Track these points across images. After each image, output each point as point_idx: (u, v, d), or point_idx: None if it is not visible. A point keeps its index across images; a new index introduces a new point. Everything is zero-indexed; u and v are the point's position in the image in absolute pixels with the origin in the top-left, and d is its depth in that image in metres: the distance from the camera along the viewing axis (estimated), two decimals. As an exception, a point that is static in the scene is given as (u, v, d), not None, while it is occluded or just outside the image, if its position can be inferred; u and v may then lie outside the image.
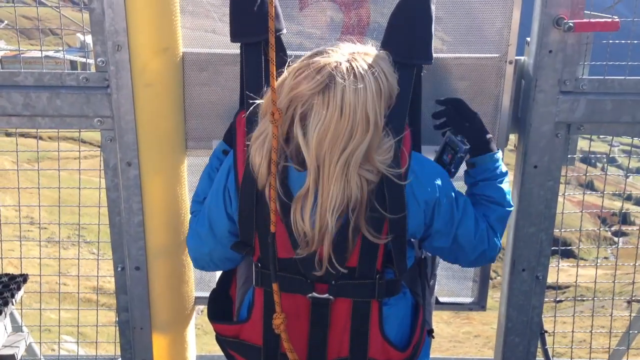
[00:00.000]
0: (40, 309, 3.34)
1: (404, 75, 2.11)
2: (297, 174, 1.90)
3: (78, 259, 3.24)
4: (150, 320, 2.87)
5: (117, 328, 2.96)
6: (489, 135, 2.29)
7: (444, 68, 2.64)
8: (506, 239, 2.90)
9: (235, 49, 2.39)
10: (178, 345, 2.99)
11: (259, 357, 2.15)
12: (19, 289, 2.84)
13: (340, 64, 1.79)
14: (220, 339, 2.27)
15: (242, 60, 2.29)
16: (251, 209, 2.00)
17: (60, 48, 2.70)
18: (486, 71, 2.64)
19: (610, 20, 2.36)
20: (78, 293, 3.31)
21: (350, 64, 1.80)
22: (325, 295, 2.04)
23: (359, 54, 1.85)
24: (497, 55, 2.62)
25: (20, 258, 3.23)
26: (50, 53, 2.84)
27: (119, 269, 2.83)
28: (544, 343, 3.02)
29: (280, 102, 1.84)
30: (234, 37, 2.28)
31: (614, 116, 2.58)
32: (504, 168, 2.27)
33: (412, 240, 2.15)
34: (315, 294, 2.04)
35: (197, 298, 3.02)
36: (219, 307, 2.37)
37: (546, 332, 3.02)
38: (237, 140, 2.07)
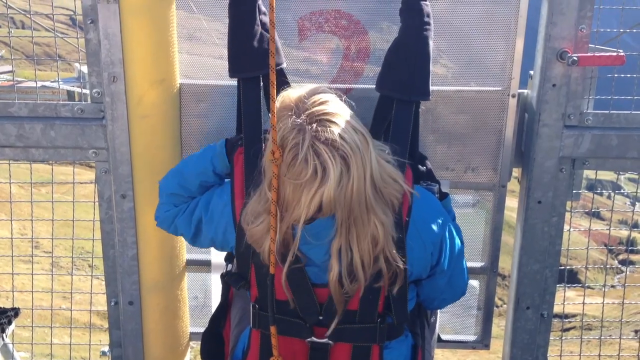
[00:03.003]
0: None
1: (402, 111, 2.09)
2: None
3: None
4: (144, 356, 2.79)
5: (110, 364, 2.88)
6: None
7: (445, 101, 2.60)
8: (510, 276, 2.83)
9: (232, 80, 2.36)
10: (172, 381, 2.91)
11: None
12: (9, 323, 2.77)
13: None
14: None
15: (240, 95, 2.26)
16: (248, 247, 1.95)
17: (56, 78, 2.67)
18: (488, 104, 2.60)
19: (615, 54, 2.31)
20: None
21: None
22: (325, 340, 1.98)
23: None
24: (500, 88, 2.58)
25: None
26: (47, 83, 2.81)
27: (112, 303, 2.76)
28: (549, 383, 2.93)
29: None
30: (233, 73, 2.27)
31: (619, 151, 2.52)
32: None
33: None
34: (314, 339, 1.98)
35: (192, 334, 2.95)
36: (212, 347, 2.31)
37: (551, 371, 2.92)
38: (235, 177, 2.05)
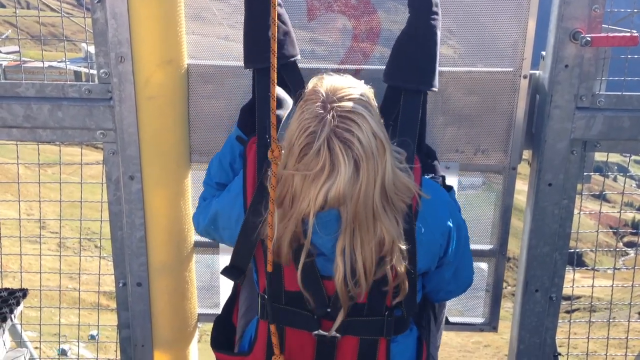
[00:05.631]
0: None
1: (410, 101, 2.09)
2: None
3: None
4: (152, 337, 2.80)
5: (118, 345, 2.89)
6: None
7: (455, 82, 2.57)
8: (517, 259, 2.81)
9: (240, 60, 2.34)
10: (180, 362, 2.92)
11: None
12: (18, 304, 2.77)
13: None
14: None
15: (254, 84, 2.25)
16: (251, 240, 1.95)
17: (63, 58, 2.65)
18: (499, 85, 2.57)
19: (629, 34, 2.28)
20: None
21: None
22: (332, 333, 1.96)
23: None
24: (511, 69, 2.55)
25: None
26: (54, 63, 2.78)
27: (121, 284, 2.76)
28: (557, 366, 2.93)
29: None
30: (248, 63, 2.27)
31: (631, 133, 2.49)
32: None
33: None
34: (321, 332, 1.97)
35: (200, 315, 2.95)
36: (222, 334, 2.31)
37: (559, 354, 2.92)
38: (248, 168, 2.04)
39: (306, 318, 1.95)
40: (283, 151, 1.79)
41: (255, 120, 2.16)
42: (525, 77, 2.54)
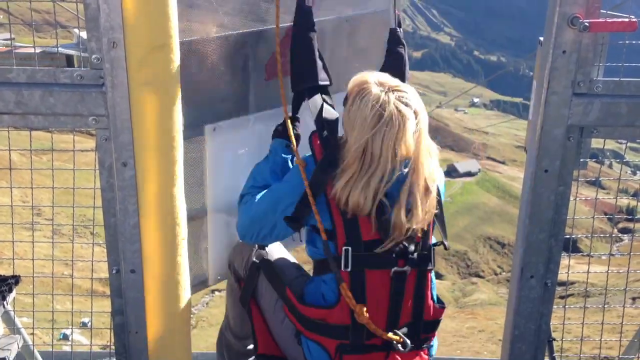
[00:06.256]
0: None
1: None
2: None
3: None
4: (146, 323, 2.79)
5: (112, 331, 2.87)
6: None
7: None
8: (514, 245, 2.81)
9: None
10: (174, 349, 2.91)
11: (344, 335, 2.42)
12: (10, 291, 2.76)
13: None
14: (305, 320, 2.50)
15: (295, 101, 2.91)
16: (315, 193, 2.42)
17: (55, 44, 2.61)
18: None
19: (627, 20, 2.26)
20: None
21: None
22: (406, 268, 2.39)
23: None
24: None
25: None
26: (46, 49, 2.74)
27: (114, 271, 2.74)
28: (551, 351, 2.93)
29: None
30: (296, 86, 2.85)
31: (629, 119, 2.48)
32: None
33: None
34: (397, 268, 2.38)
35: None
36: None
37: (554, 339, 2.92)
38: (316, 152, 2.52)
39: (386, 259, 2.37)
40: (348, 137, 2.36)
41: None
42: None
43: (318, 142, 2.54)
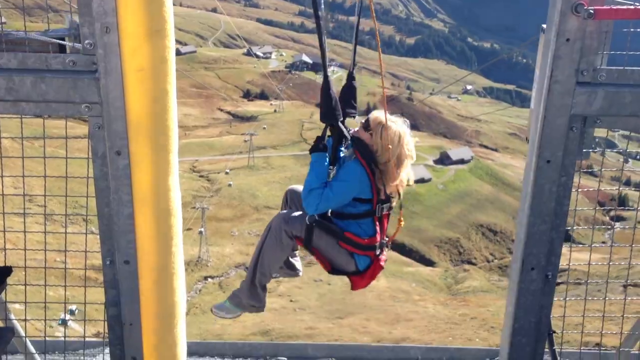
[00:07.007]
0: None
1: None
2: None
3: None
4: (141, 315, 2.74)
5: (106, 323, 2.83)
6: None
7: None
8: (515, 237, 2.77)
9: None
10: (169, 340, 2.86)
11: (376, 248, 3.82)
12: (1, 282, 2.70)
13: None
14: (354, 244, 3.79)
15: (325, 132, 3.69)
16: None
17: (46, 29, 2.54)
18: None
19: (633, 7, 2.21)
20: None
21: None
22: (389, 212, 3.89)
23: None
24: None
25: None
26: (36, 34, 2.67)
27: (108, 262, 2.69)
28: (551, 344, 2.90)
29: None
30: (325, 120, 3.53)
31: (633, 109, 2.43)
32: None
33: None
34: (387, 212, 3.88)
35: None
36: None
37: (554, 332, 2.89)
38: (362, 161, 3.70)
39: (389, 206, 3.81)
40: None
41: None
42: None
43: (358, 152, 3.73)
